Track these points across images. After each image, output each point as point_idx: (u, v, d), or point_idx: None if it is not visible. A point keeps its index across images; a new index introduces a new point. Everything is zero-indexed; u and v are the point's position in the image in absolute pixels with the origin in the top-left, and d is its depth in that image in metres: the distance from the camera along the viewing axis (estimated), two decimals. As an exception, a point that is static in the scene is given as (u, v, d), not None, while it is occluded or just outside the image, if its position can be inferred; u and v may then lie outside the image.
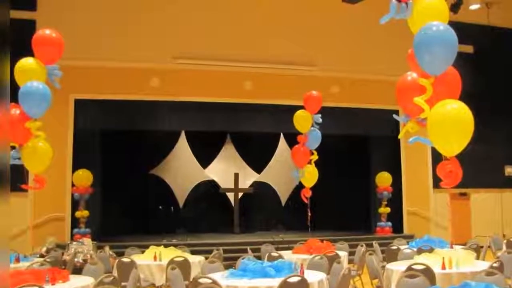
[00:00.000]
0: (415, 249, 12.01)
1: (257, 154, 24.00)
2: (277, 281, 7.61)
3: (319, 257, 10.76)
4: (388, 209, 21.45)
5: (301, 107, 15.85)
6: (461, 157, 7.53)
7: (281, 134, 23.64)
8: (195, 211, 23.82)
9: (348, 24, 20.77)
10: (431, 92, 7.51)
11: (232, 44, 20.14)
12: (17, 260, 10.98)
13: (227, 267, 9.80)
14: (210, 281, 7.70)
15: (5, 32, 3.96)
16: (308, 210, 16.47)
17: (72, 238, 17.89)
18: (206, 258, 11.38)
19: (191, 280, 10.41)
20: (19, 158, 10.37)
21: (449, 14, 8.00)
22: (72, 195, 18.81)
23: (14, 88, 9.57)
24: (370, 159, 22.63)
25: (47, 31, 10.97)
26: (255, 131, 21.73)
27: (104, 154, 20.63)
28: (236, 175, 23.57)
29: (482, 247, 12.94)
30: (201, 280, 7.93)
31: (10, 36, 4.07)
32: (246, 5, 20.15)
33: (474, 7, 20.46)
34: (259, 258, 11.07)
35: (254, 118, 21.04)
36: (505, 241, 14.21)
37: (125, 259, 10.96)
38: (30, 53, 10.72)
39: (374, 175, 21.85)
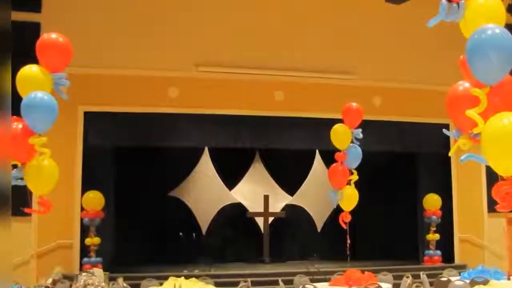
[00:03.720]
0: (467, 281, 11.95)
1: (289, 174, 24.01)
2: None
3: (359, 290, 10.75)
4: (437, 236, 21.18)
5: (340, 121, 15.77)
6: (520, 177, 7.47)
7: (317, 151, 23.58)
8: (219, 238, 23.81)
9: (392, 26, 20.67)
10: (486, 103, 7.45)
11: (261, 49, 20.07)
12: (20, 292, 11.06)
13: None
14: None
15: (6, 37, 4.00)
16: (347, 236, 16.40)
17: (81, 268, 17.91)
18: (232, 291, 11.42)
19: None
20: (21, 178, 10.39)
21: (506, 16, 7.97)
22: (81, 220, 18.76)
23: (16, 99, 9.65)
24: (417, 179, 22.40)
25: (53, 35, 10.92)
26: (288, 147, 21.55)
27: (117, 174, 20.70)
28: (266, 198, 23.43)
29: (543, 279, 12.84)
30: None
31: (12, 41, 4.11)
32: (277, 6, 20.08)
33: (535, 7, 20.33)
34: (291, 291, 11.07)
35: (286, 133, 20.79)
36: None
37: (140, 292, 11.00)
38: (34, 60, 10.71)
39: (421, 198, 21.54)
